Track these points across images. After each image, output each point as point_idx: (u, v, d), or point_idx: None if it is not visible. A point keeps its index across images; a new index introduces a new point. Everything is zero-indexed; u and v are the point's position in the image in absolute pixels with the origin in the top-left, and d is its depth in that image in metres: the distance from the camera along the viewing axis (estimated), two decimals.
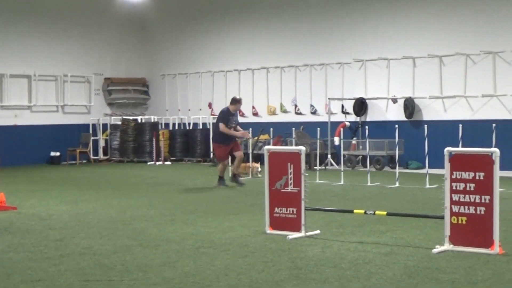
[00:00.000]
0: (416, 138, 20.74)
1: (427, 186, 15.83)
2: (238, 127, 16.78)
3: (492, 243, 7.88)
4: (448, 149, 8.17)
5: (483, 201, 7.97)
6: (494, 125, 15.90)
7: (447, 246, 8.12)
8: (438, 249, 8.06)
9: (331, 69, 23.99)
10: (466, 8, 21.33)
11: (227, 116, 16.50)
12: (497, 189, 7.89)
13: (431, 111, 21.93)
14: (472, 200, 8.03)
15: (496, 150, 7.89)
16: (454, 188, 8.14)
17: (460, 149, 8.42)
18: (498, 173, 7.90)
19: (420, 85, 22.10)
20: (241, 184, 16.44)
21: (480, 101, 20.89)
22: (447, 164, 8.16)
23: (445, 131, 20.44)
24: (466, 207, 8.06)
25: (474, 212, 8.01)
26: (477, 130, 19.72)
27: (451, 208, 8.15)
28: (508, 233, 9.24)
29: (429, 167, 16.32)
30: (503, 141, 18.91)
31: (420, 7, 22.25)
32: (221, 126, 16.36)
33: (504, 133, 19.58)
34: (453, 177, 8.13)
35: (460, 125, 16.11)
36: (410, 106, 21.95)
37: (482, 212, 7.96)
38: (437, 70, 21.72)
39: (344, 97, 23.39)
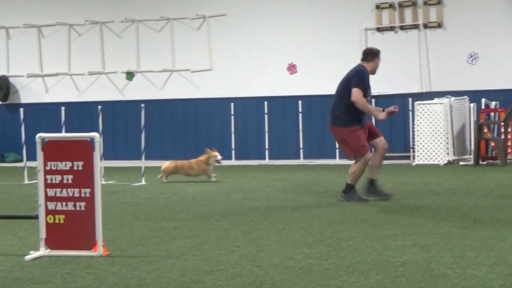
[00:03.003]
0: (13, 125, 20.63)
1: (26, 181, 15.88)
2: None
3: (95, 243, 8.01)
4: (40, 135, 8.16)
5: (83, 195, 8.07)
6: (100, 107, 16.22)
7: (43, 251, 8.10)
8: (32, 255, 8.01)
9: None
10: None
11: (365, 79, 11.61)
12: (98, 181, 8.05)
13: (30, 92, 21.90)
14: (71, 194, 8.10)
15: (96, 134, 8.04)
16: (49, 181, 8.15)
17: (54, 134, 8.46)
18: (99, 161, 8.07)
19: (16, 61, 22.01)
20: (388, 195, 11.94)
21: (87, 80, 21.31)
22: (40, 153, 8.14)
23: (47, 115, 20.58)
24: (64, 203, 8.11)
25: (73, 208, 8.09)
26: (84, 113, 20.14)
27: (46, 206, 8.15)
28: (116, 231, 9.54)
29: (28, 159, 16.25)
30: (116, 124, 19.56)
31: None
32: (355, 92, 11.34)
33: (116, 116, 20.24)
34: (48, 168, 8.14)
35: (63, 108, 16.26)
36: (4, 86, 21.77)
37: (83, 208, 8.07)
38: (36, 42, 21.73)
39: None
